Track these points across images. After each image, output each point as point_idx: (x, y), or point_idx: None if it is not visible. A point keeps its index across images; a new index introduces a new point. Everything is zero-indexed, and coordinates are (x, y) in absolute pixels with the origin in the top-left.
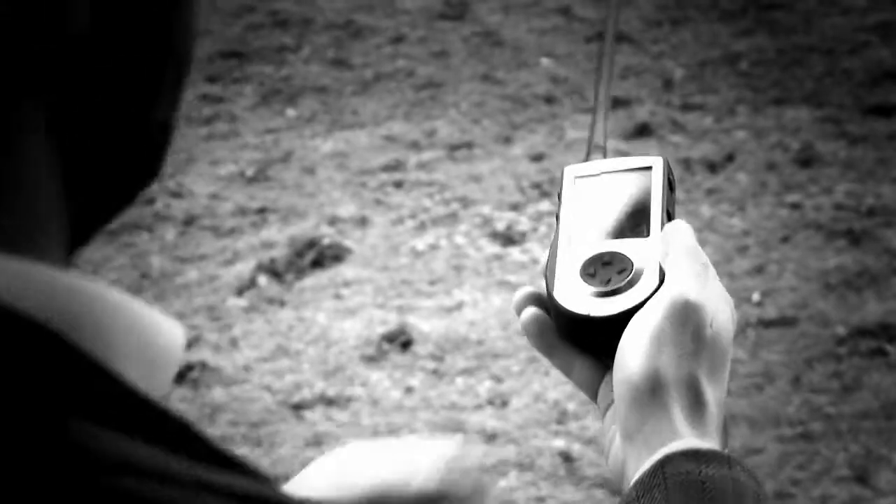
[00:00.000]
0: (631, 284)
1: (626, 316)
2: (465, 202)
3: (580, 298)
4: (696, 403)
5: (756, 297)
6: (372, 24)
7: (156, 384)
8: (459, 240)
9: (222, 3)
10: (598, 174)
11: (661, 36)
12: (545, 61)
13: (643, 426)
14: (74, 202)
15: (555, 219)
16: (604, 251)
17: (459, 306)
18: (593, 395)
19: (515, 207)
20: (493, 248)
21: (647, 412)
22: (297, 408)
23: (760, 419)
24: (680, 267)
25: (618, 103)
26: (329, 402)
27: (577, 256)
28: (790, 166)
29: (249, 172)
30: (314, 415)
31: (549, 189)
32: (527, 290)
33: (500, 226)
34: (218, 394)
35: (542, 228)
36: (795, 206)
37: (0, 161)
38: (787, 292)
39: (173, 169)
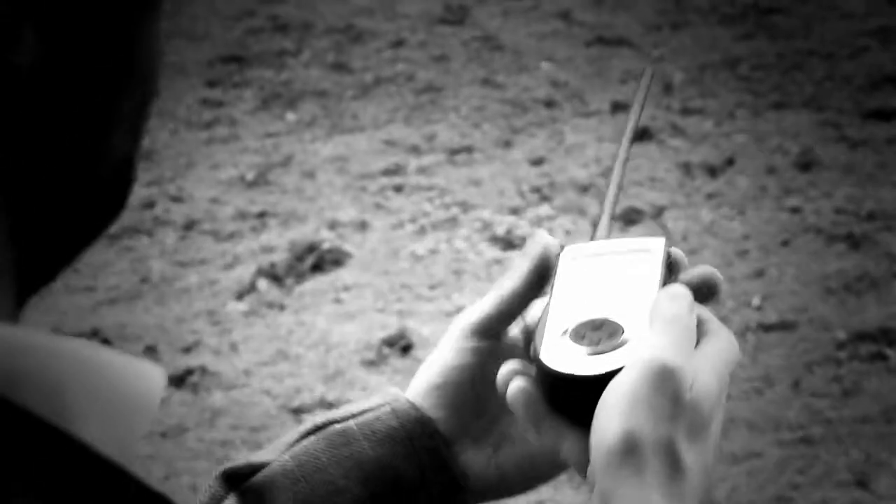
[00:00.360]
0: (619, 347)
1: (612, 377)
2: (465, 206)
3: (566, 359)
4: (673, 470)
5: (756, 301)
6: (372, 29)
7: (127, 434)
8: (459, 244)
9: (222, 6)
10: (596, 255)
11: (660, 40)
12: (545, 65)
13: (616, 492)
14: (26, 248)
15: (548, 293)
16: (595, 317)
17: (459, 311)
18: (583, 471)
19: (515, 212)
20: (493, 252)
21: (620, 477)
22: (298, 412)
23: (760, 423)
24: (659, 332)
25: (617, 107)
26: (329, 406)
27: (567, 322)
28: (790, 170)
29: (249, 176)
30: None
31: (549, 193)
32: (512, 364)
33: (500, 230)
34: (218, 398)
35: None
36: (795, 210)
37: None
38: (787, 296)
39: (173, 173)
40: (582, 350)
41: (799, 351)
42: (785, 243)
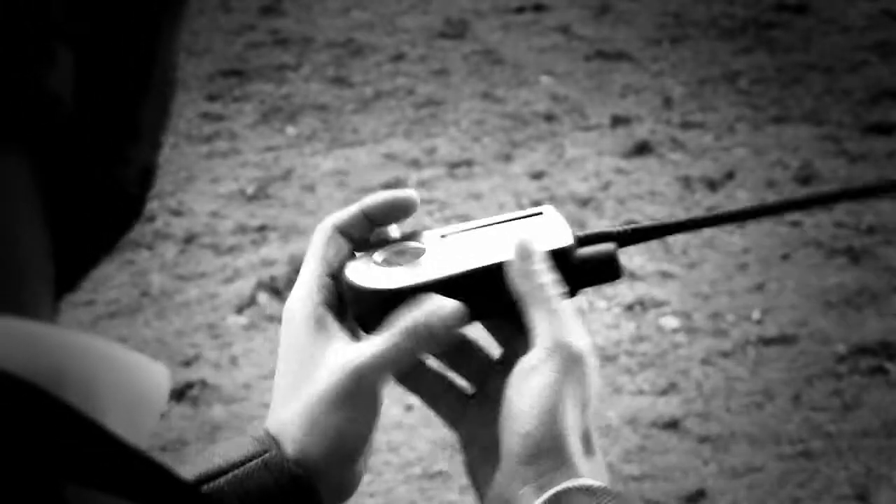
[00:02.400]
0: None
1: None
2: (465, 220)
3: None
4: (588, 452)
5: (756, 314)
6: (372, 43)
7: (141, 428)
8: None
9: (223, 21)
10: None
11: (660, 54)
12: (545, 79)
13: (540, 478)
14: (58, 252)
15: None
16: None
17: None
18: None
19: None
20: None
21: (546, 466)
22: None
23: (761, 437)
24: (557, 313)
25: (618, 121)
26: None
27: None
28: (790, 184)
29: (250, 190)
30: None
31: None
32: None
33: None
34: (218, 411)
35: None
36: (795, 224)
37: None
38: (787, 310)
39: (174, 187)
40: (384, 269)
41: (799, 365)
42: (785, 257)
